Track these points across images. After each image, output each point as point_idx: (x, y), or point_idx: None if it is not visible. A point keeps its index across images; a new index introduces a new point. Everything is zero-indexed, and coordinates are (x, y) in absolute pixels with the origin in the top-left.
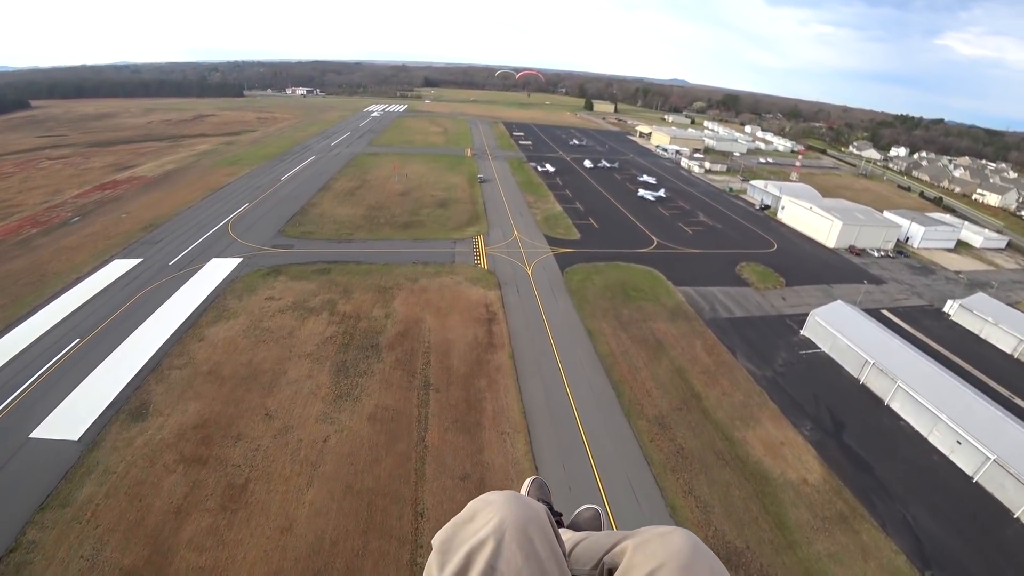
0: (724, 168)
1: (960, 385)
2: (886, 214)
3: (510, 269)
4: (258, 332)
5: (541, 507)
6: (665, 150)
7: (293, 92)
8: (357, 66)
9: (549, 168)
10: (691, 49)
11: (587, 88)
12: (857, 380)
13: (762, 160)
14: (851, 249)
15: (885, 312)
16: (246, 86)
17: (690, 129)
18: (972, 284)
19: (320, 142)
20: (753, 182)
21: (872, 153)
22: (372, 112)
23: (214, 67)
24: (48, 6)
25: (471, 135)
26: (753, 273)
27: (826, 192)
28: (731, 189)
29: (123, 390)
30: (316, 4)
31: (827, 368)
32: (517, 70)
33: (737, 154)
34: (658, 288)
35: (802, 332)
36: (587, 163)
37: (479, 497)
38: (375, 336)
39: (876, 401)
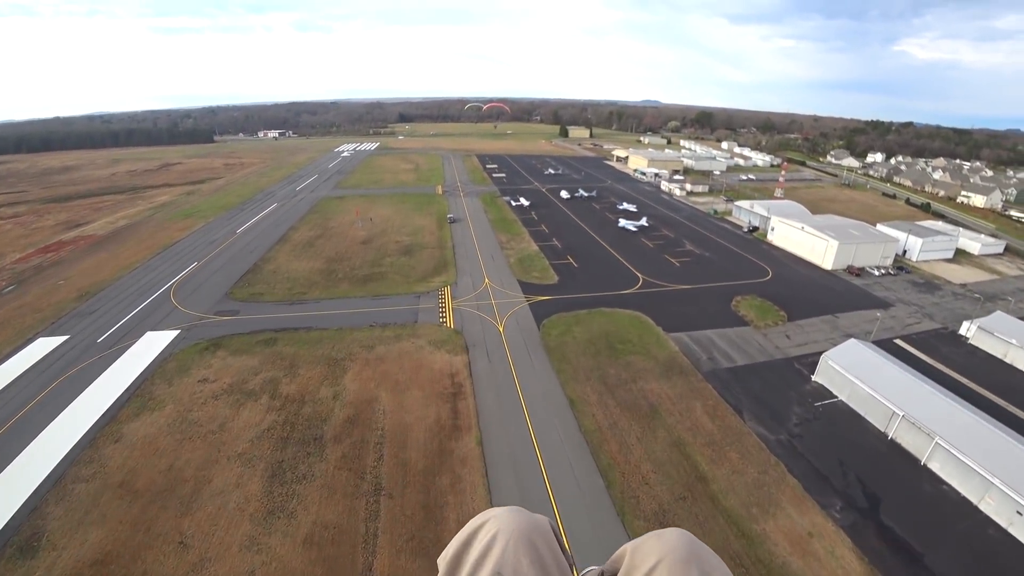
0: (706, 189)
1: (1008, 437)
2: (880, 227)
3: (479, 326)
4: (184, 426)
5: (544, 518)
6: (643, 174)
7: (265, 135)
8: (333, 105)
9: (524, 202)
10: (661, 70)
11: (561, 115)
12: (885, 435)
13: (743, 177)
14: (850, 269)
15: (899, 342)
16: (217, 131)
17: (667, 150)
18: (983, 298)
19: (285, 187)
20: (738, 202)
21: (851, 161)
22: (343, 152)
23: (187, 113)
24: (22, 59)
25: (443, 171)
26: (751, 308)
27: (813, 206)
28: (715, 212)
29: (15, 515)
30: (292, 47)
31: (849, 423)
32: (487, 101)
33: (717, 172)
34: (647, 337)
35: (814, 378)
36: (563, 194)
37: (480, 514)
38: (320, 425)
39: (911, 462)
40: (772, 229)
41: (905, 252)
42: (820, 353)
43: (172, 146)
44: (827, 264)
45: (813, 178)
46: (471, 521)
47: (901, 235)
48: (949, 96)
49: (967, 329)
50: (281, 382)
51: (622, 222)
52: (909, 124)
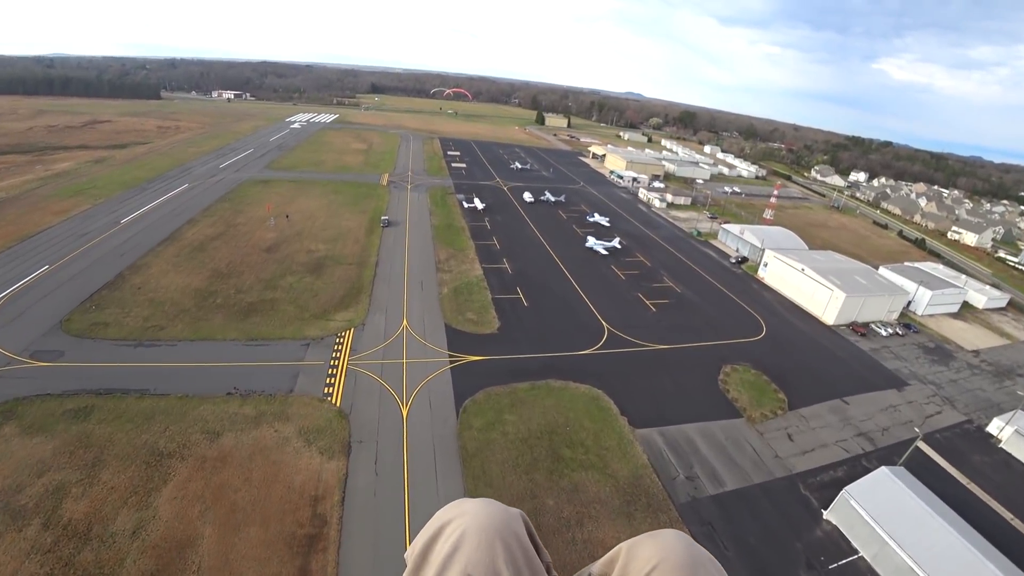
0: (688, 201)
1: None
2: (884, 272)
3: (376, 406)
4: None
5: (517, 512)
6: (621, 177)
7: (219, 96)
8: (306, 68)
9: (478, 203)
10: (647, 63)
11: (541, 100)
12: None
13: (728, 189)
14: (854, 327)
15: (922, 446)
16: (168, 87)
17: (647, 151)
18: (999, 372)
19: (210, 162)
20: (726, 226)
21: (836, 180)
22: (293, 123)
23: (143, 64)
24: None
25: (396, 155)
26: (743, 387)
27: (803, 232)
28: (699, 233)
29: None
30: (273, 3)
31: None
32: (467, 79)
33: (700, 181)
34: (607, 436)
35: (826, 516)
36: (527, 196)
37: (451, 504)
38: None
39: None
40: (765, 265)
41: (909, 303)
42: (830, 468)
43: (111, 100)
44: (829, 318)
45: (800, 196)
46: (439, 512)
47: (910, 286)
48: (918, 117)
49: (998, 429)
50: (69, 495)
51: (591, 241)
52: (888, 144)
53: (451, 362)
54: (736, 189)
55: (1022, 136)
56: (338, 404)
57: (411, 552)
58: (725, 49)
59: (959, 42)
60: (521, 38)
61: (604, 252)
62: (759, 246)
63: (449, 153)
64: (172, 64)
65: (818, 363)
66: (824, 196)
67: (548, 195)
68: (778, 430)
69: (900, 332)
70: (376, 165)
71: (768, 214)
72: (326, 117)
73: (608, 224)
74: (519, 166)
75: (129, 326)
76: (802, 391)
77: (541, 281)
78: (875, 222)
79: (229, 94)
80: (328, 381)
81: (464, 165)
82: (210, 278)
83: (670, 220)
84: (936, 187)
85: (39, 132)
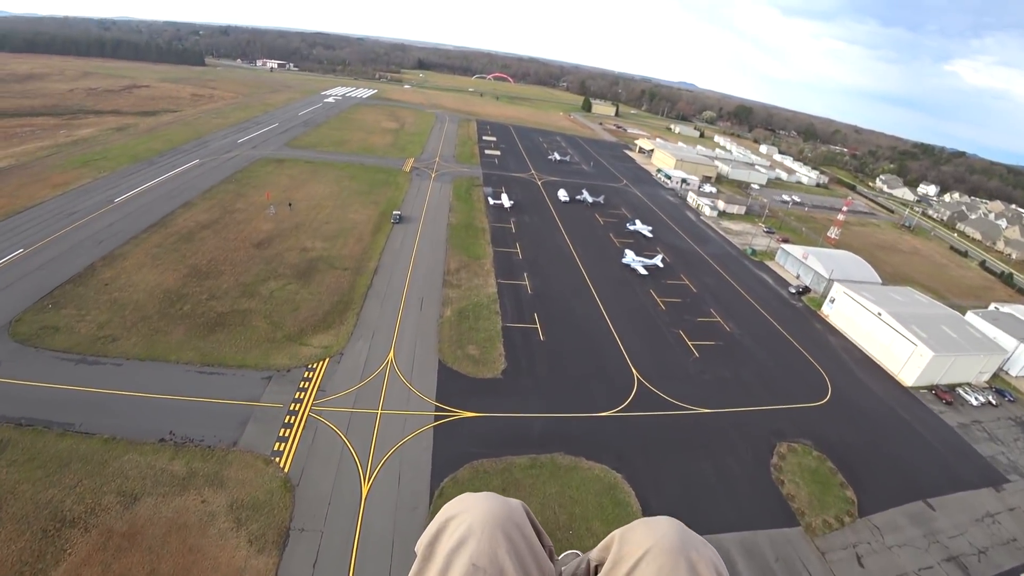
0: (742, 210)
1: None
2: (972, 318)
3: (332, 475)
4: None
5: (518, 503)
6: (668, 177)
7: (264, 64)
8: (357, 41)
9: (505, 200)
10: (702, 53)
11: (590, 85)
12: None
13: (786, 198)
14: (936, 391)
15: None
16: (215, 54)
17: (699, 147)
18: None
19: (230, 136)
20: (786, 246)
21: (904, 192)
22: (328, 96)
23: (196, 29)
24: None
25: (428, 137)
26: (801, 477)
27: (870, 256)
28: (753, 252)
29: None
30: None
31: None
32: (516, 59)
33: (755, 187)
34: None
35: None
36: (562, 194)
37: (455, 499)
38: None
39: None
40: (831, 301)
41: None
42: None
43: (157, 65)
44: (908, 377)
45: (866, 211)
46: (445, 507)
47: (1008, 341)
48: (986, 124)
49: None
50: None
51: (629, 257)
52: (961, 154)
53: (436, 418)
54: (796, 199)
55: None
56: (287, 469)
57: (420, 543)
58: (785, 41)
59: None
60: (574, 20)
61: (643, 272)
62: (825, 276)
63: (484, 138)
64: (224, 31)
65: (895, 443)
66: (893, 212)
67: (586, 194)
68: (844, 548)
69: (993, 401)
70: (403, 148)
71: (833, 233)
72: (364, 92)
73: (650, 235)
74: (558, 157)
75: (80, 334)
76: (876, 486)
77: (565, 307)
78: (952, 248)
79: (272, 63)
80: (282, 434)
81: (498, 153)
82: (186, 277)
83: (721, 233)
84: (1014, 206)
85: (79, 95)
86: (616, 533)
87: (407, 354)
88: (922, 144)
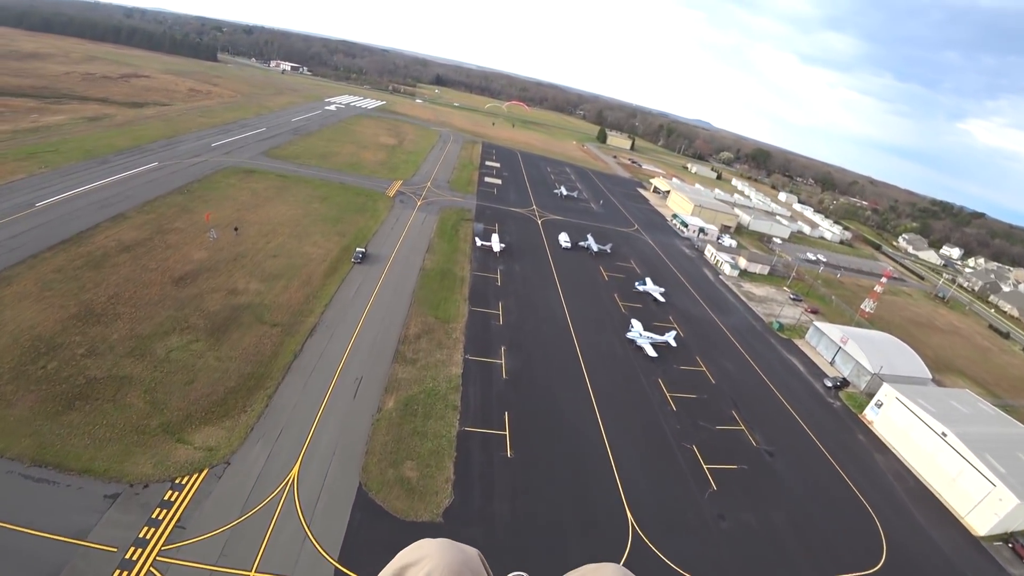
0: (766, 270)
1: None
2: None
3: None
4: None
5: (475, 551)
6: (685, 225)
7: (276, 66)
8: (381, 52)
9: (496, 243)
10: (719, 92)
11: (607, 115)
12: None
13: (811, 255)
14: (1012, 543)
15: None
16: (231, 51)
17: (717, 191)
18: None
19: (206, 137)
20: (820, 325)
21: (931, 255)
22: (331, 105)
23: (220, 26)
24: None
25: (426, 157)
26: None
27: (908, 334)
28: (780, 327)
29: None
30: None
31: None
32: (534, 84)
33: (778, 240)
34: None
35: None
36: (563, 239)
37: (411, 546)
38: None
39: None
40: (878, 406)
41: None
42: None
43: (167, 56)
44: (980, 526)
45: (895, 275)
46: (402, 554)
47: None
48: (999, 185)
49: None
50: None
51: (636, 330)
52: (980, 215)
53: None
54: (821, 257)
55: None
56: None
57: None
58: (802, 88)
59: None
60: (595, 50)
61: (653, 354)
62: (869, 369)
63: (487, 163)
64: (248, 30)
65: None
66: (923, 279)
67: (590, 241)
68: None
69: None
70: (394, 168)
71: (868, 306)
72: (371, 102)
73: (663, 298)
74: (564, 192)
75: None
76: None
77: (548, 403)
78: (991, 326)
79: (286, 66)
80: None
81: (499, 182)
82: (71, 320)
83: (743, 298)
84: None
85: (73, 79)
86: None
87: (318, 471)
88: (940, 202)
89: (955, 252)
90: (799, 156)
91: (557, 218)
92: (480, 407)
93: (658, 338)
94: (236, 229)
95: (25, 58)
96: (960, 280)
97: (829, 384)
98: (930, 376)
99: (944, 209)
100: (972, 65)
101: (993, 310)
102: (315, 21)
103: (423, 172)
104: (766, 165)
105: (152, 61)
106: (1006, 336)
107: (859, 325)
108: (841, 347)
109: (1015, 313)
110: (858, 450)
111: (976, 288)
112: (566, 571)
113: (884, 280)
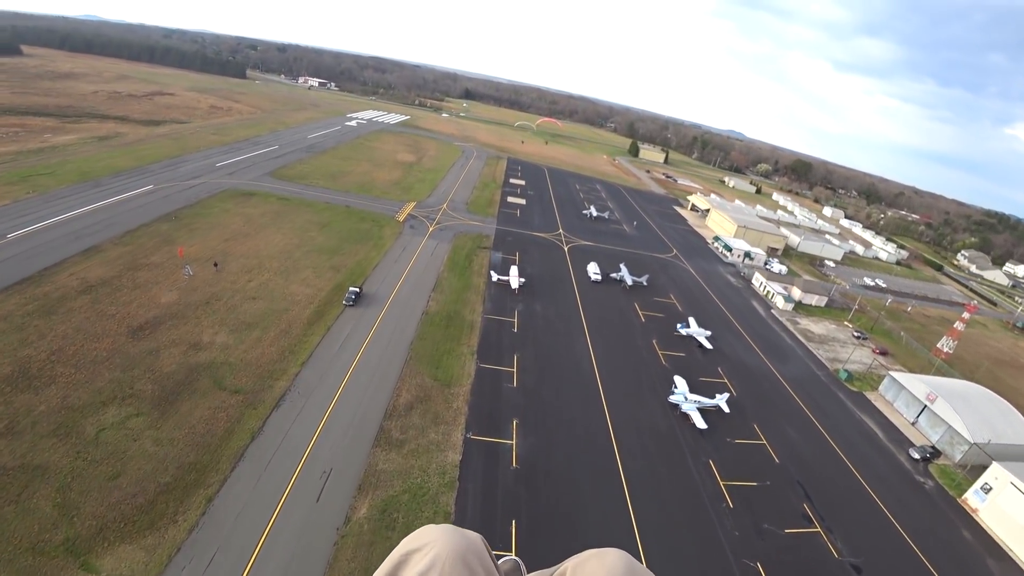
0: (823, 300)
1: None
2: None
3: None
4: None
5: (477, 536)
6: (729, 249)
7: (304, 82)
8: (413, 68)
9: (514, 278)
10: (751, 102)
11: (638, 127)
12: None
13: (869, 281)
14: None
15: None
16: (262, 68)
17: (758, 207)
18: None
19: (213, 156)
20: (898, 376)
21: (997, 274)
22: (352, 120)
23: (255, 45)
24: None
25: (445, 175)
26: None
27: (993, 377)
28: (849, 376)
29: None
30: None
31: None
32: (563, 95)
33: (831, 263)
34: None
35: None
36: (593, 269)
37: (414, 533)
38: None
39: None
40: (985, 490)
41: None
42: None
43: (197, 73)
44: None
45: (963, 302)
46: (405, 540)
47: None
48: None
49: None
50: None
51: (680, 390)
52: None
53: None
54: (881, 283)
55: None
56: None
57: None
58: (836, 96)
59: None
60: (624, 61)
61: (703, 425)
62: (967, 438)
63: (511, 181)
64: (281, 48)
65: None
66: (995, 305)
67: (624, 272)
68: None
69: None
70: (409, 188)
71: (946, 345)
72: (394, 117)
73: (709, 344)
74: (595, 213)
75: None
76: None
77: (570, 503)
78: None
79: (313, 81)
80: None
81: (522, 202)
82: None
83: (800, 338)
84: None
85: (99, 98)
86: (568, 563)
87: None
88: (996, 213)
89: (1020, 269)
90: (839, 167)
91: (586, 243)
92: (480, 512)
93: (707, 402)
94: (216, 264)
95: (59, 78)
96: None
97: (916, 456)
98: None
99: (1001, 221)
100: (1019, 67)
101: None
102: (350, 39)
103: (440, 192)
104: (807, 177)
105: (180, 79)
106: None
107: (936, 368)
108: (928, 405)
109: None
110: (965, 553)
111: None
112: None
113: (967, 316)
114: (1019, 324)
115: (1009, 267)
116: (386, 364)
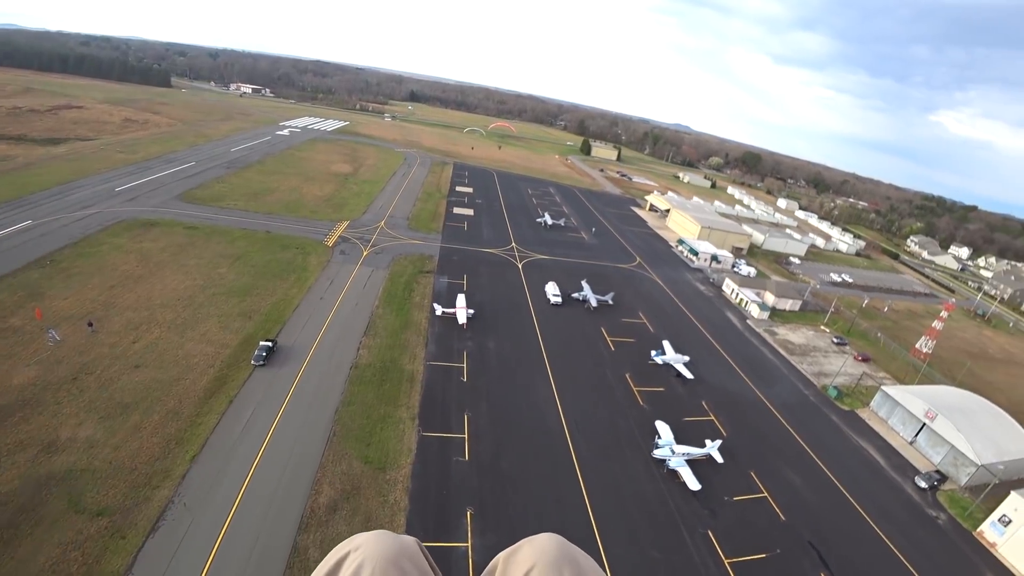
0: (796, 304)
1: None
2: None
3: None
4: None
5: (412, 540)
6: (695, 253)
7: (237, 89)
8: (356, 71)
9: (462, 309)
10: (695, 96)
11: (588, 125)
12: None
13: (836, 276)
14: None
15: None
16: (190, 76)
17: (717, 203)
18: None
19: (115, 179)
20: (890, 390)
21: (947, 259)
22: (284, 129)
23: (184, 51)
24: None
25: (384, 186)
26: None
27: (968, 374)
28: (838, 394)
29: None
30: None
31: None
32: (512, 95)
33: (795, 260)
34: None
35: None
36: (552, 292)
37: (346, 540)
38: None
39: None
40: (1003, 523)
41: None
42: None
43: (116, 84)
44: None
45: (924, 291)
46: (335, 549)
47: None
48: (976, 175)
49: None
50: None
51: (664, 445)
52: (973, 208)
53: None
54: (845, 277)
55: None
56: None
57: None
58: (777, 88)
59: None
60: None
61: (694, 485)
62: (974, 460)
63: (458, 190)
64: (213, 54)
65: None
66: (954, 292)
67: (587, 291)
68: None
69: None
70: (342, 204)
71: (925, 345)
72: (331, 124)
73: (689, 372)
74: (550, 221)
75: None
76: None
77: None
78: None
79: (246, 88)
80: None
81: (470, 213)
82: None
83: (781, 351)
84: None
85: None
86: (500, 556)
87: None
88: (934, 197)
89: (963, 252)
90: (786, 157)
91: (542, 257)
92: None
93: (697, 452)
94: (91, 324)
95: None
96: (986, 287)
97: (923, 484)
98: None
99: (940, 204)
100: (941, 58)
101: None
102: (290, 43)
103: (377, 207)
104: (757, 169)
105: (93, 90)
106: None
107: (922, 374)
108: (927, 424)
109: None
110: None
111: (1006, 296)
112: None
113: (945, 315)
114: (979, 312)
115: (954, 249)
116: (303, 447)
